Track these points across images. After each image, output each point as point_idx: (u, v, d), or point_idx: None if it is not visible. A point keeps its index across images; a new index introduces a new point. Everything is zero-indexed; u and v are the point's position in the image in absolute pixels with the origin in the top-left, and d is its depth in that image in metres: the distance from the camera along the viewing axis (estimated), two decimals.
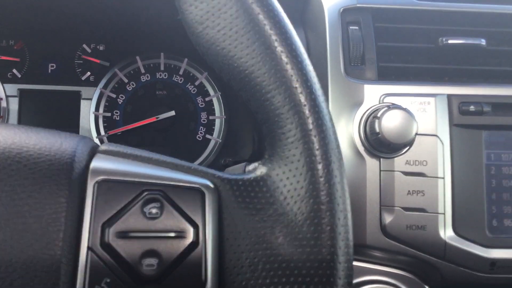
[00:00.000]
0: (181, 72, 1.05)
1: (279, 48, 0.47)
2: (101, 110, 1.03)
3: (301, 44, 0.49)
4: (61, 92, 1.02)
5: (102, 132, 1.02)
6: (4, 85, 1.01)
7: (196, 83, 1.05)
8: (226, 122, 1.04)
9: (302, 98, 0.46)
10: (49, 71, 1.03)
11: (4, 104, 1.00)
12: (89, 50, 1.04)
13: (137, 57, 1.03)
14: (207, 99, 1.05)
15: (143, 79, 1.04)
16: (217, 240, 0.45)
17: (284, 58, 0.47)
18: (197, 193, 0.46)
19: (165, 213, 0.45)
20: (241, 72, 0.48)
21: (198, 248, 0.45)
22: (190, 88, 1.05)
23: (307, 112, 0.46)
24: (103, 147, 0.50)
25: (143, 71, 1.04)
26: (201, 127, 1.05)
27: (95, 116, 1.02)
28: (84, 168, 0.46)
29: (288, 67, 0.47)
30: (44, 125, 1.02)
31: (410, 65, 0.80)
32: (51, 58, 1.03)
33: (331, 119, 0.48)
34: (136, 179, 0.46)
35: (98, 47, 1.04)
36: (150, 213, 0.44)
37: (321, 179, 0.46)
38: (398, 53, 0.81)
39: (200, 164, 1.02)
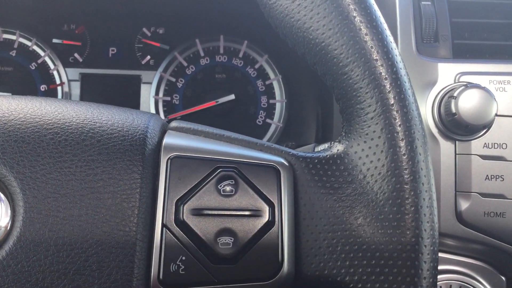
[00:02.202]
0: (240, 55, 1.03)
1: (358, 19, 0.44)
2: (161, 94, 1.02)
3: (380, 15, 0.46)
4: (121, 76, 1.02)
5: (162, 116, 1.02)
6: (66, 69, 1.02)
7: (256, 66, 1.03)
8: (287, 106, 1.02)
9: (383, 71, 0.43)
10: (110, 55, 1.03)
11: (66, 88, 1.01)
12: (149, 34, 1.03)
13: (197, 40, 1.02)
14: (267, 82, 1.03)
15: (203, 63, 1.03)
16: (293, 220, 0.43)
17: (364, 29, 0.44)
18: (272, 170, 0.44)
19: (240, 191, 0.43)
20: (317, 45, 0.45)
21: (274, 227, 0.43)
22: (250, 71, 1.03)
23: (388, 85, 0.43)
24: (173, 123, 0.48)
25: (202, 54, 1.03)
26: (261, 111, 1.03)
27: (155, 100, 1.02)
28: (156, 145, 0.45)
29: (368, 38, 0.44)
30: None
31: (487, 42, 0.75)
32: (112, 42, 1.03)
33: (413, 93, 0.45)
34: (209, 156, 0.44)
35: (158, 30, 1.03)
36: (224, 190, 0.43)
37: (404, 157, 0.43)
38: (474, 30, 0.76)
39: None
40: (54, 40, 1.01)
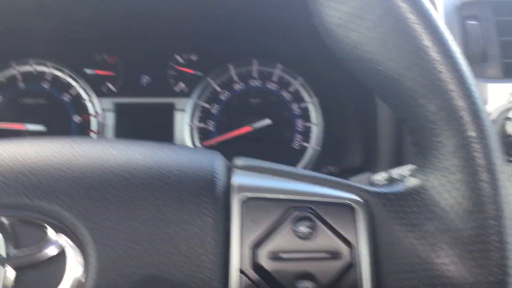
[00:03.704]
0: (275, 79, 1.02)
1: (432, 49, 0.42)
2: (195, 121, 1.01)
3: (455, 43, 0.44)
4: (155, 104, 1.01)
5: (197, 143, 1.01)
6: (100, 99, 1.01)
7: (291, 89, 1.01)
8: (324, 129, 1.00)
9: (461, 102, 0.42)
10: (143, 83, 1.02)
11: (100, 118, 1.00)
12: (181, 61, 1.02)
13: (230, 65, 1.01)
14: (302, 105, 1.01)
15: (236, 88, 1.02)
16: (372, 261, 0.42)
17: (439, 59, 0.42)
18: (348, 209, 0.42)
19: (317, 232, 0.41)
20: (388, 77, 0.44)
21: (353, 269, 0.41)
22: (285, 95, 1.02)
23: (468, 117, 0.41)
24: (239, 162, 0.47)
25: (236, 79, 1.02)
26: (297, 134, 1.01)
27: (190, 128, 1.01)
28: (226, 185, 0.43)
29: (444, 68, 0.42)
30: (140, 137, 1.01)
31: None
32: (145, 70, 1.02)
33: (492, 124, 0.43)
34: (282, 196, 0.43)
35: (190, 56, 1.03)
36: (301, 232, 0.41)
37: (489, 191, 0.41)
38: None
39: None
40: (87, 70, 1.01)
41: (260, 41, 1.00)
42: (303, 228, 0.41)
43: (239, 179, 0.44)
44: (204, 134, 1.01)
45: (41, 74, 1.00)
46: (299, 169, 0.47)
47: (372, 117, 0.85)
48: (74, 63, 1.01)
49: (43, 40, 0.98)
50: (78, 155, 0.43)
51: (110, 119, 1.01)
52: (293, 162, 1.00)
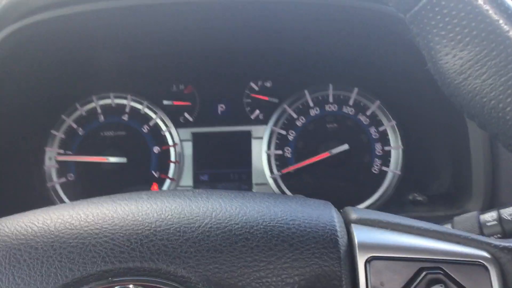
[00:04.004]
0: (351, 103, 1.00)
1: None
2: (272, 148, 1.01)
3: None
4: (232, 132, 1.02)
5: (275, 171, 1.00)
6: (178, 129, 1.02)
7: (368, 112, 0.99)
8: (404, 153, 0.98)
9: None
10: (219, 112, 1.03)
11: (179, 149, 1.01)
12: (256, 88, 1.02)
13: (305, 91, 1.00)
14: (381, 129, 0.99)
15: (312, 113, 1.01)
16: None
17: None
18: (481, 269, 0.41)
19: None
20: None
21: None
22: (362, 119, 1.00)
23: None
24: (354, 215, 0.46)
25: (311, 104, 1.01)
26: (376, 159, 0.99)
27: (267, 155, 1.00)
28: (349, 244, 0.42)
29: None
30: (218, 166, 1.02)
31: None
32: (220, 99, 1.03)
33: None
34: (411, 255, 0.41)
35: (265, 83, 1.02)
36: None
37: None
38: None
39: (379, 199, 0.97)
40: (165, 102, 1.02)
41: (336, 66, 0.99)
42: None
43: (361, 236, 0.42)
44: (281, 161, 1.00)
45: (121, 107, 1.02)
46: (420, 222, 0.45)
47: (462, 140, 0.82)
48: (153, 95, 1.02)
49: (122, 74, 0.99)
50: (197, 214, 0.43)
51: (188, 149, 1.02)
52: (373, 187, 0.98)
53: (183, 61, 1.00)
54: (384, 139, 0.99)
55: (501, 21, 0.40)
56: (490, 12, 0.40)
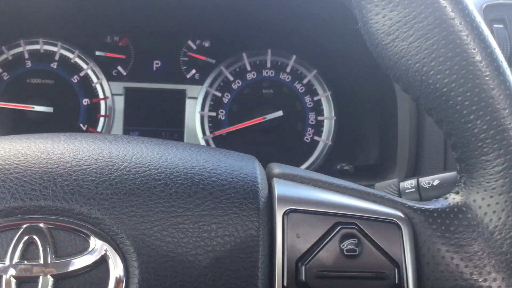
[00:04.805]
0: (288, 70, 1.00)
1: (484, 64, 0.41)
2: (206, 109, 0.99)
3: (504, 59, 0.43)
4: (166, 90, 0.99)
5: (208, 132, 0.99)
6: (110, 83, 0.99)
7: (304, 81, 1.00)
8: (337, 123, 0.99)
9: None
10: (154, 68, 1.00)
11: (110, 102, 0.98)
12: (194, 47, 1.00)
13: (243, 54, 0.99)
14: (315, 98, 1.00)
15: (249, 77, 1.00)
16: (417, 281, 0.41)
17: (491, 76, 0.41)
18: (393, 227, 0.42)
19: (364, 250, 0.40)
20: (436, 90, 0.43)
21: None
22: (298, 87, 1.00)
23: None
24: (276, 169, 0.46)
25: (249, 68, 1.00)
26: (309, 128, 1.00)
27: (200, 116, 0.99)
28: (268, 196, 0.42)
29: (495, 85, 0.41)
30: (149, 124, 0.99)
31: None
32: (156, 55, 1.00)
33: None
34: (327, 210, 0.41)
35: (203, 43, 1.00)
36: (347, 250, 0.40)
37: None
38: None
39: (308, 168, 0.98)
40: (97, 53, 0.98)
41: (276, 32, 0.98)
42: (349, 246, 0.40)
43: (282, 189, 0.42)
44: (214, 123, 0.99)
45: (50, 54, 0.97)
46: (340, 180, 0.45)
47: (391, 114, 0.84)
48: (85, 45, 0.98)
49: (54, 20, 0.94)
50: (117, 157, 0.42)
51: (119, 103, 0.99)
52: (304, 156, 0.99)
53: (119, 11, 0.96)
54: (318, 108, 1.00)
55: None
56: None
